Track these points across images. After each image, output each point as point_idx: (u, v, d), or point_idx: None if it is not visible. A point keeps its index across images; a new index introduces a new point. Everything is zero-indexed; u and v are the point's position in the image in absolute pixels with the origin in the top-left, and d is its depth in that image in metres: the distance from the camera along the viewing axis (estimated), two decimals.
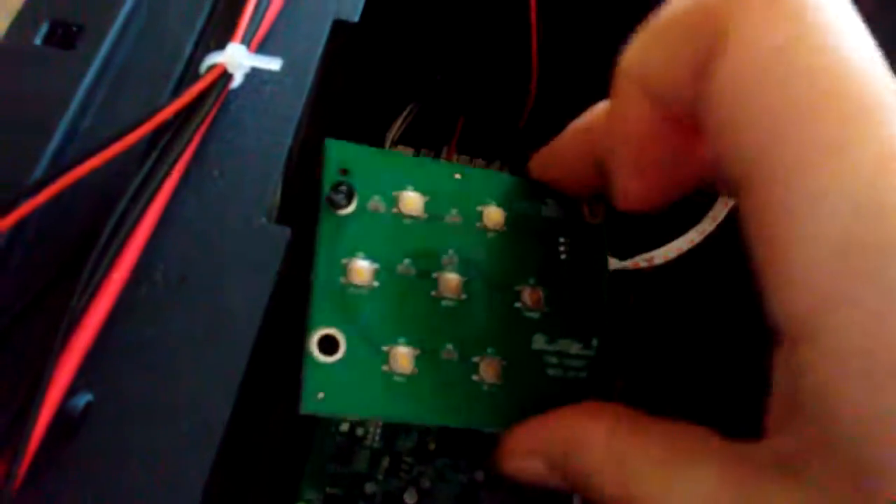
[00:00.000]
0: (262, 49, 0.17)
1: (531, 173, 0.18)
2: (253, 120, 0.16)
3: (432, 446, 0.26)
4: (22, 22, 0.16)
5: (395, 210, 0.17)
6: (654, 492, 0.13)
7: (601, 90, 0.16)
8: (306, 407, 0.15)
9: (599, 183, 0.16)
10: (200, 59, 0.16)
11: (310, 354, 0.15)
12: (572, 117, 0.17)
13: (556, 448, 0.15)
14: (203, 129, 0.15)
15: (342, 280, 0.16)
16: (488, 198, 0.18)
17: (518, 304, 0.17)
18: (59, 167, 0.14)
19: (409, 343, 0.16)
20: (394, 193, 0.17)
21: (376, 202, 0.16)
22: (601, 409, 0.15)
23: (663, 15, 0.13)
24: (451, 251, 0.17)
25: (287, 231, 0.15)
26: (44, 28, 0.16)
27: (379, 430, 0.27)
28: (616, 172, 0.15)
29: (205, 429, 0.13)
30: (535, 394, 0.17)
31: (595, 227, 0.18)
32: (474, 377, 0.16)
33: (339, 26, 0.18)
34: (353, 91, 0.27)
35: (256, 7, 0.17)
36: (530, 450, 0.15)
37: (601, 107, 0.16)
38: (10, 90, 0.15)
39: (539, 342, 0.17)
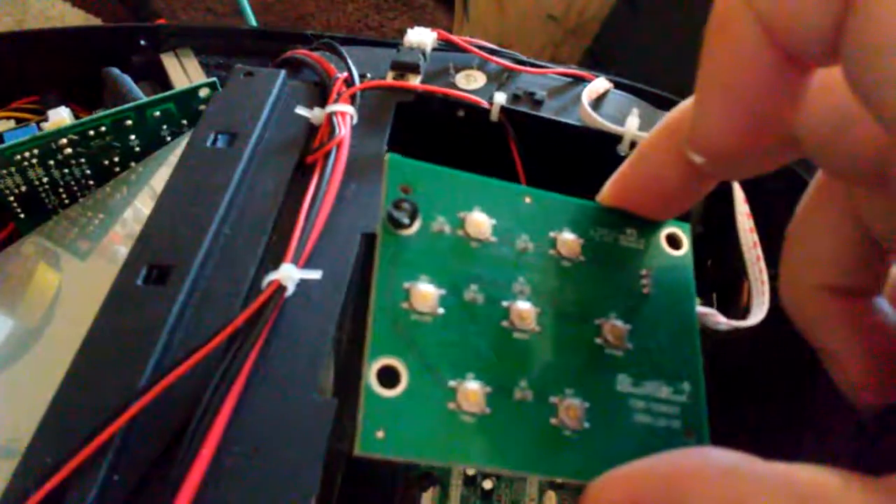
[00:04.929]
0: (307, 263, 0.22)
1: (607, 199, 0.17)
2: (303, 318, 0.21)
3: None
4: (127, 268, 0.22)
5: (460, 232, 0.15)
6: None
7: None
8: (363, 447, 0.13)
9: (690, 193, 0.16)
10: (262, 277, 0.21)
11: (369, 387, 0.13)
12: None
13: (661, 496, 0.12)
14: (265, 331, 0.20)
15: (404, 305, 0.14)
16: (563, 224, 0.16)
17: (599, 341, 0.16)
18: (158, 373, 0.19)
19: (478, 378, 0.14)
20: (459, 215, 0.15)
21: (441, 223, 0.15)
22: (709, 453, 0.12)
23: None
24: (521, 279, 0.15)
25: (334, 402, 0.19)
26: (143, 272, 0.21)
27: None
28: (705, 112, 0.13)
29: None
30: (621, 442, 0.15)
31: (679, 260, 0.17)
32: (552, 420, 0.14)
33: (367, 238, 0.23)
34: None
35: (301, 233, 0.22)
36: (629, 500, 0.13)
37: (685, 103, 0.15)
38: (121, 321, 0.20)
39: (624, 384, 0.15)
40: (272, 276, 0.21)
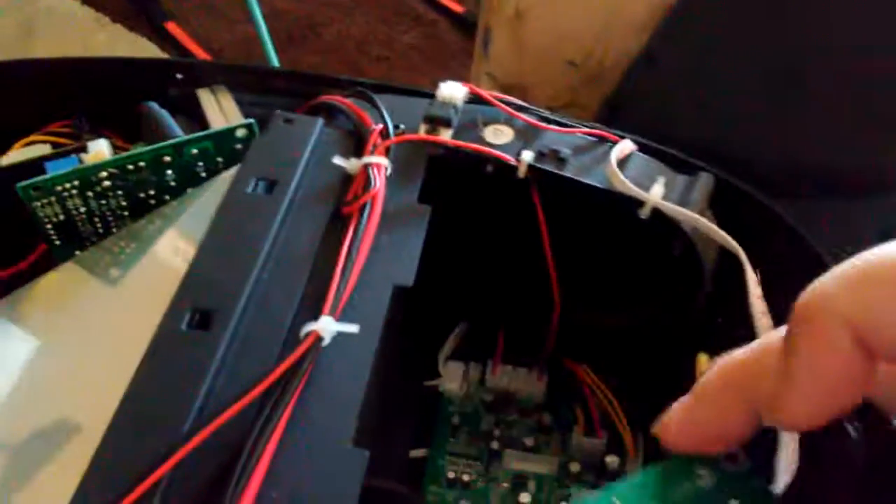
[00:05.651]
0: (342, 313, 0.23)
1: (671, 445, 0.18)
2: (337, 367, 0.22)
3: None
4: (173, 312, 0.23)
5: None
6: None
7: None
8: None
9: (751, 429, 0.17)
10: (300, 326, 0.22)
11: None
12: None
13: None
14: (303, 381, 0.21)
15: None
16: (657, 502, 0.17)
17: None
18: (202, 419, 0.20)
19: None
20: None
21: None
22: None
23: (888, 260, 0.13)
24: None
25: (366, 454, 0.20)
26: (187, 316, 0.23)
27: None
28: (795, 398, 0.14)
29: None
30: None
31: (742, 470, 0.18)
32: None
33: (398, 290, 0.24)
34: (413, 320, 0.32)
35: (338, 285, 0.23)
36: None
37: (742, 353, 0.17)
38: (167, 365, 0.21)
39: None
40: (311, 327, 0.22)
